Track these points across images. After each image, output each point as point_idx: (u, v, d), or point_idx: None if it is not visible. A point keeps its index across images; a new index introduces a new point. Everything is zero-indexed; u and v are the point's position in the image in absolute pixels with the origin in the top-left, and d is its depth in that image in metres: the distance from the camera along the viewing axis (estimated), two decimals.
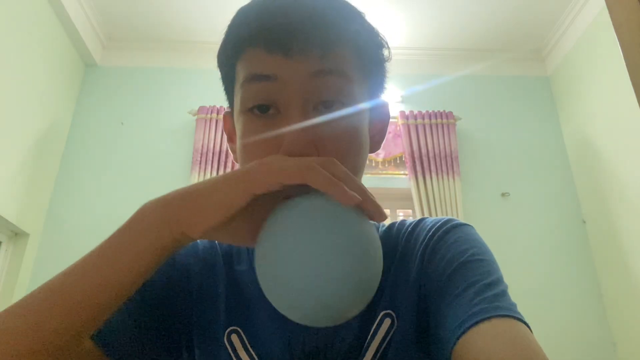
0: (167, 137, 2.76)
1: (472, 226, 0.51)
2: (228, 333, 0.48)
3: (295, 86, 0.42)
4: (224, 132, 0.52)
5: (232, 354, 0.47)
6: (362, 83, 0.47)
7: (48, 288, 0.35)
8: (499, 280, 0.43)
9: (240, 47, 0.45)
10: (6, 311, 0.35)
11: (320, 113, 0.43)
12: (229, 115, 0.53)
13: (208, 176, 2.50)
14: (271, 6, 0.44)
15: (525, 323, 0.39)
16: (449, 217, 0.62)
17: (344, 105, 0.44)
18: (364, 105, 0.47)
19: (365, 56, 0.48)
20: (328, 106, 0.43)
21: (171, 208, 0.36)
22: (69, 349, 0.35)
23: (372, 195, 0.38)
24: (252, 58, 0.44)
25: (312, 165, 0.35)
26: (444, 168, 2.65)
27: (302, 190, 0.37)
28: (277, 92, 0.43)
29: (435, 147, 2.70)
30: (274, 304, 0.38)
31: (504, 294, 0.42)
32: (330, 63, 0.43)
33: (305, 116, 0.42)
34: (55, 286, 0.35)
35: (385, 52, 0.51)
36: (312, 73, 0.42)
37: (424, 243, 0.49)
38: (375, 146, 0.52)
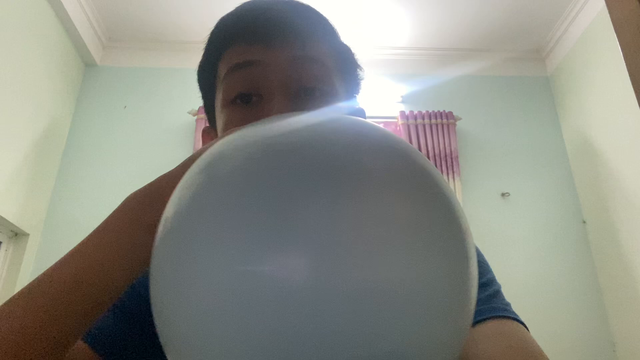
0: (167, 137, 2.76)
1: None
2: None
3: (277, 70, 0.43)
4: None
5: None
6: (339, 78, 0.48)
7: (29, 290, 0.32)
8: (492, 281, 0.43)
9: (221, 47, 0.46)
10: None
11: (301, 99, 0.43)
12: (209, 132, 0.51)
13: None
14: (250, 8, 0.46)
15: (521, 322, 0.39)
16: None
17: (324, 92, 0.44)
18: (343, 100, 0.48)
19: (341, 54, 0.49)
20: (309, 93, 0.44)
21: (151, 187, 0.35)
22: (56, 354, 0.31)
23: None
24: (233, 53, 0.45)
25: None
26: (444, 168, 2.65)
27: None
28: (259, 77, 0.43)
29: (435, 147, 2.70)
30: None
31: (497, 293, 0.42)
32: (310, 51, 0.44)
33: (288, 101, 0.42)
34: (39, 285, 0.32)
35: (359, 69, 0.53)
36: (293, 58, 0.43)
37: None
38: None
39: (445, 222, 0.21)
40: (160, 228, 0.25)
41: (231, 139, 0.25)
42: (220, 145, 0.26)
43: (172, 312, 0.21)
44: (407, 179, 0.21)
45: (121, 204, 0.35)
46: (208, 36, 0.48)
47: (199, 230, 0.21)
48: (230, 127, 0.43)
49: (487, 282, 0.42)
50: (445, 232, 0.21)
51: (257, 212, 0.19)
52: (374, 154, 0.22)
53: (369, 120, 0.27)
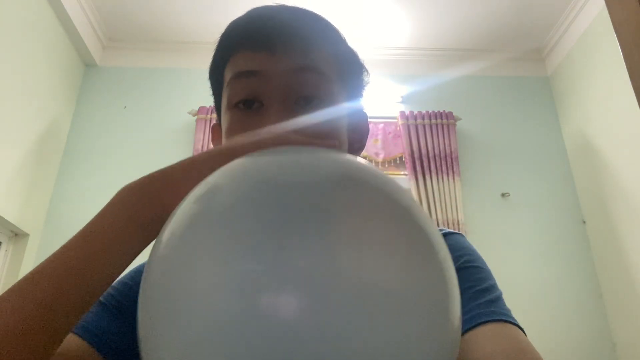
0: (167, 137, 2.76)
1: (462, 234, 0.52)
2: None
3: (277, 80, 0.45)
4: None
5: None
6: (340, 87, 0.49)
7: (17, 289, 0.32)
8: (493, 287, 0.44)
9: (229, 52, 0.48)
10: None
11: (299, 107, 0.45)
12: (217, 129, 0.53)
13: None
14: (258, 15, 0.48)
15: (520, 327, 0.40)
16: (440, 227, 0.64)
17: (322, 102, 0.46)
18: (342, 107, 0.49)
19: (344, 63, 0.50)
20: (308, 102, 0.45)
21: (148, 183, 0.35)
22: (44, 351, 0.31)
23: None
24: (238, 59, 0.47)
25: (287, 133, 0.37)
26: (444, 168, 2.65)
27: None
28: (261, 86, 0.45)
29: (435, 147, 2.70)
30: None
31: (498, 299, 0.43)
32: (311, 61, 0.46)
33: (287, 109, 0.45)
34: (26, 285, 0.32)
35: (364, 73, 0.54)
36: (294, 68, 0.45)
37: None
38: (354, 153, 0.53)
39: (424, 255, 0.23)
40: (153, 252, 0.26)
41: (229, 170, 0.27)
42: (218, 176, 0.27)
43: (158, 342, 0.22)
44: (391, 217, 0.23)
45: (115, 197, 0.35)
46: (218, 39, 0.50)
47: (191, 262, 0.21)
48: (232, 129, 0.46)
49: (488, 288, 0.43)
50: (424, 267, 0.23)
51: (249, 250, 0.20)
52: (358, 198, 0.23)
53: (358, 159, 0.29)
